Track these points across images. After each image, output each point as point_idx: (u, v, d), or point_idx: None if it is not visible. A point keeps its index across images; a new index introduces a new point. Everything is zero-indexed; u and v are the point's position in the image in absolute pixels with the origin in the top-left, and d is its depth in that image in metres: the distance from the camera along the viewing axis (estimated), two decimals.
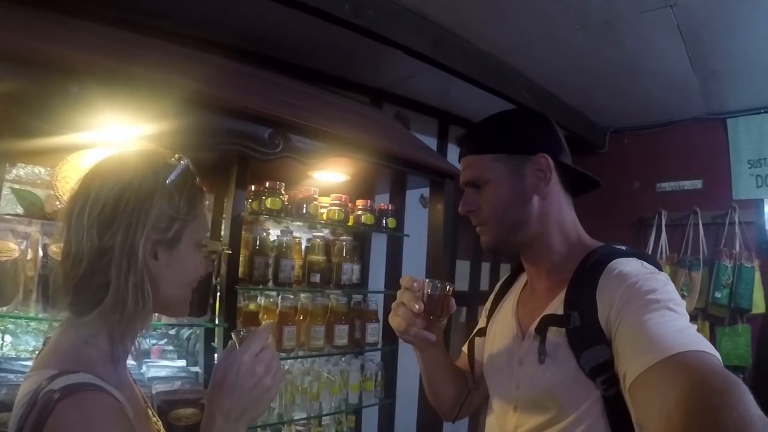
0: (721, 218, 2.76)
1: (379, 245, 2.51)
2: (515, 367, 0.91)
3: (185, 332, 2.06)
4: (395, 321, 0.96)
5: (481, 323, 1.09)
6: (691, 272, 2.75)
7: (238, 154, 1.57)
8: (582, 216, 0.97)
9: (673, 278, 2.73)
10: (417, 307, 0.91)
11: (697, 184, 2.92)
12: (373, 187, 2.38)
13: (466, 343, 1.12)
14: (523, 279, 1.04)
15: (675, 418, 0.57)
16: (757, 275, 2.59)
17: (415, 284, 0.93)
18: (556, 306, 0.86)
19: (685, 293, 2.70)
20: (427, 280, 0.93)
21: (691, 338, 0.66)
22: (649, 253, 2.83)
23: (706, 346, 0.65)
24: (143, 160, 0.77)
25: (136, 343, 0.82)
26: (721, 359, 0.64)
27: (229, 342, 0.79)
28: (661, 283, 0.77)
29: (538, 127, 0.95)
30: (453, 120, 3.12)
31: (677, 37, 2.08)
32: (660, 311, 0.70)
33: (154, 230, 0.72)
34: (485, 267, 3.34)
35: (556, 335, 0.83)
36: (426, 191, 2.75)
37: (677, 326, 0.68)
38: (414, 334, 0.94)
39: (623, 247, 0.88)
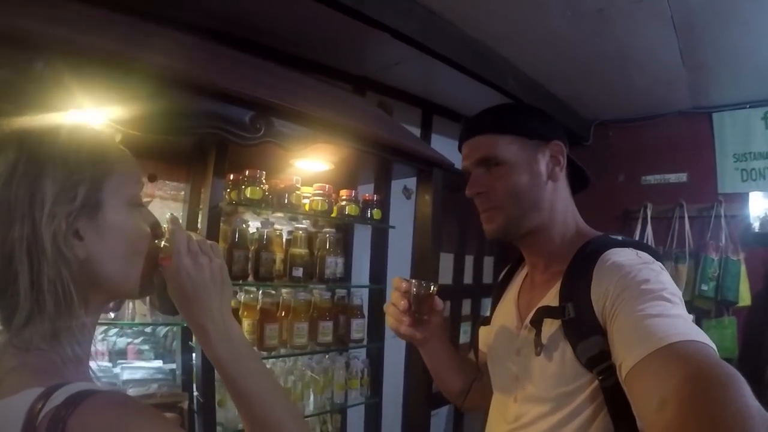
0: (707, 211, 2.77)
1: (362, 237, 2.43)
2: (514, 357, 0.92)
3: (162, 330, 1.96)
4: (388, 320, 1.03)
5: (488, 312, 1.11)
6: (678, 265, 2.75)
7: (216, 139, 1.46)
8: None
9: None
10: (403, 303, 0.98)
11: (682, 177, 2.92)
12: (356, 177, 2.29)
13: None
14: (525, 269, 1.04)
15: (671, 411, 0.56)
16: (743, 268, 2.60)
17: (404, 284, 0.99)
18: (552, 297, 0.86)
19: None
20: (413, 281, 0.99)
21: (685, 328, 0.65)
22: None
23: (700, 336, 0.64)
24: (26, 132, 0.61)
25: (99, 346, 0.71)
26: (716, 349, 0.63)
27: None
28: (655, 272, 0.76)
29: (549, 119, 0.98)
30: (437, 110, 3.05)
31: (670, 28, 2.04)
32: (654, 301, 0.70)
33: (60, 203, 0.58)
34: (468, 260, 3.29)
35: (551, 327, 0.83)
36: (409, 182, 2.69)
37: (671, 316, 0.67)
38: (404, 332, 1.00)
39: (619, 237, 0.88)
